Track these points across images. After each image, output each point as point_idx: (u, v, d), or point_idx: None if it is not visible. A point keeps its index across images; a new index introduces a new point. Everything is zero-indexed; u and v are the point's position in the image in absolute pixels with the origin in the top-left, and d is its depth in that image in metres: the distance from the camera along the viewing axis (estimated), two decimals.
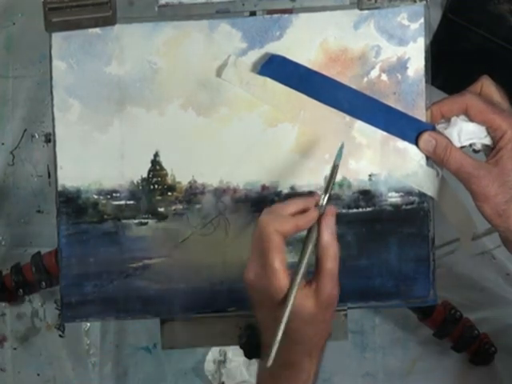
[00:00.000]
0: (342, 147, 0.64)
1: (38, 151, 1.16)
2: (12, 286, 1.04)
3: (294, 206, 0.62)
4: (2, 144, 1.17)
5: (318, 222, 0.61)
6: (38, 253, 1.02)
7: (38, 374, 1.15)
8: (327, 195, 0.62)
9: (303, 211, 0.61)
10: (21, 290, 1.04)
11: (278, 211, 0.61)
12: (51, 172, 1.13)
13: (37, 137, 1.16)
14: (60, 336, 1.15)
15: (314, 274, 0.61)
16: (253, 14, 0.71)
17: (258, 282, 0.61)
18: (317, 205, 0.62)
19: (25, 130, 1.16)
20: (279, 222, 0.60)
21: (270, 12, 0.70)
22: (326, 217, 0.61)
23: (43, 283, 1.01)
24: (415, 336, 1.11)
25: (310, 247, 0.61)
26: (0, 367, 1.15)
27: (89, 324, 1.14)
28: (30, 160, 1.16)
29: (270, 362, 0.58)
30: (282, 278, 0.59)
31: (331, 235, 0.61)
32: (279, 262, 0.59)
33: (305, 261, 0.60)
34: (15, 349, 1.15)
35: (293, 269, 0.60)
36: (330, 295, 0.61)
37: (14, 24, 1.17)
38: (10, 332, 1.15)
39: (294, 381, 0.63)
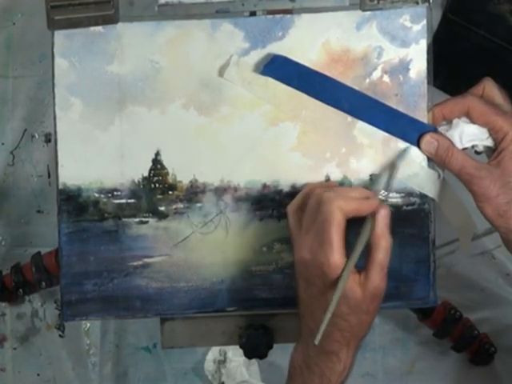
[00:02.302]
0: (406, 150, 0.69)
1: (38, 151, 1.16)
2: (12, 286, 1.04)
3: (356, 191, 0.65)
4: (2, 144, 1.17)
5: (374, 213, 0.63)
6: (38, 253, 1.02)
7: (38, 374, 1.15)
8: (387, 191, 0.67)
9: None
10: (21, 290, 1.04)
11: (342, 192, 0.64)
12: (52, 171, 1.13)
13: (37, 137, 1.16)
14: (60, 336, 1.15)
15: (364, 264, 0.62)
16: (253, 14, 0.71)
17: (313, 258, 0.62)
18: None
19: (25, 130, 1.16)
20: (344, 201, 0.61)
21: (270, 12, 0.70)
22: (382, 208, 0.63)
23: (43, 283, 1.01)
24: (415, 336, 1.11)
25: (367, 235, 0.62)
26: (0, 367, 1.15)
27: (89, 324, 1.14)
28: (30, 160, 1.17)
29: (317, 339, 0.59)
30: (339, 257, 0.60)
31: (385, 227, 0.62)
32: (339, 239, 0.60)
33: (360, 247, 0.61)
34: (15, 349, 1.15)
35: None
36: (378, 287, 0.62)
37: (13, 24, 1.17)
38: (10, 332, 1.15)
39: (329, 371, 0.64)
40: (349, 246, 0.62)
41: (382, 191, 0.66)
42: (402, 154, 0.70)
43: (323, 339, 0.60)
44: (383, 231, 0.62)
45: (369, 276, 0.61)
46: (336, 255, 0.60)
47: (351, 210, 0.61)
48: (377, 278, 0.61)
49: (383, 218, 0.62)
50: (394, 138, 0.70)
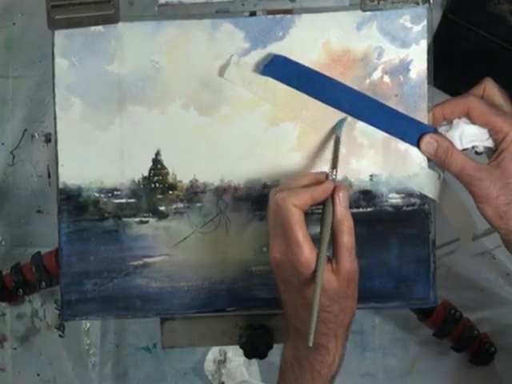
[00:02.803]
0: (342, 120, 0.68)
1: (38, 151, 1.16)
2: (12, 286, 1.04)
3: (305, 179, 0.64)
4: (2, 144, 1.17)
5: (331, 196, 0.62)
6: (38, 253, 1.02)
7: (38, 374, 1.15)
8: (336, 170, 0.65)
9: (315, 184, 0.63)
10: (21, 290, 1.05)
11: (291, 185, 0.63)
12: (52, 171, 1.13)
13: (37, 137, 1.16)
14: (60, 336, 1.15)
15: (332, 251, 0.62)
16: (253, 14, 0.71)
17: (285, 260, 0.61)
18: (327, 178, 0.64)
19: (25, 130, 1.16)
20: (295, 196, 0.61)
21: (270, 12, 0.70)
22: (339, 190, 0.62)
23: (43, 283, 1.01)
24: (415, 336, 1.11)
25: (329, 221, 0.61)
26: (0, 367, 1.15)
27: (89, 324, 1.14)
28: (30, 160, 1.17)
29: (311, 341, 0.59)
30: (308, 252, 0.60)
31: (345, 209, 0.62)
32: (303, 235, 0.60)
33: (326, 235, 0.61)
34: (15, 349, 1.15)
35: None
36: (350, 270, 0.62)
37: (13, 24, 1.17)
38: (10, 332, 1.15)
39: (319, 364, 0.63)
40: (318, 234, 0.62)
41: (330, 171, 0.65)
42: (340, 125, 0.69)
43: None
44: (343, 214, 0.61)
45: (339, 262, 0.61)
46: (305, 252, 0.60)
47: (305, 202, 0.61)
48: (347, 261, 0.61)
49: (341, 201, 0.62)
50: (393, 138, 0.70)
